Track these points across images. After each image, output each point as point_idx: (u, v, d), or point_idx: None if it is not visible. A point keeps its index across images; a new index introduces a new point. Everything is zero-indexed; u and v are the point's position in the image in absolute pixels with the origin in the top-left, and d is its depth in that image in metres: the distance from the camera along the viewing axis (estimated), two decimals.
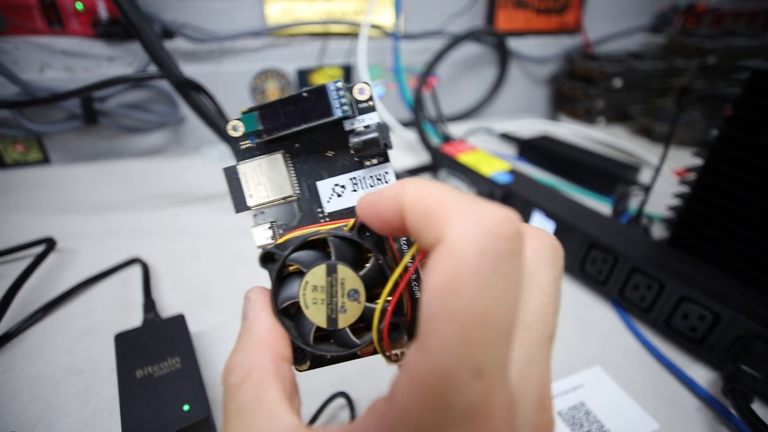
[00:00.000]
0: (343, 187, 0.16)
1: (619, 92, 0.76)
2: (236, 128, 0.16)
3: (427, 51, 0.70)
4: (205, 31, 0.56)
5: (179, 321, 0.29)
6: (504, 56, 0.77)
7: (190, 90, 0.38)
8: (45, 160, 0.54)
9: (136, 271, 0.37)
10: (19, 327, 0.30)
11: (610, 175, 0.53)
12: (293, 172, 0.16)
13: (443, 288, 0.10)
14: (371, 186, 0.16)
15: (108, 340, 0.29)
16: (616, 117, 0.79)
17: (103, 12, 0.50)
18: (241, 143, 0.16)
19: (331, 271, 0.15)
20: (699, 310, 0.30)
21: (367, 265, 0.15)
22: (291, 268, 0.16)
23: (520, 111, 0.87)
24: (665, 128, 0.70)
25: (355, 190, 0.16)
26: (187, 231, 0.43)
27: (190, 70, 0.56)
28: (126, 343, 0.27)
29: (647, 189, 0.43)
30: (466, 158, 0.50)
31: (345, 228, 0.15)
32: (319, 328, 0.15)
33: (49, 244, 0.38)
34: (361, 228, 0.15)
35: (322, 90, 0.15)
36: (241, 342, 0.14)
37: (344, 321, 0.15)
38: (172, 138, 0.61)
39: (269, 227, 0.16)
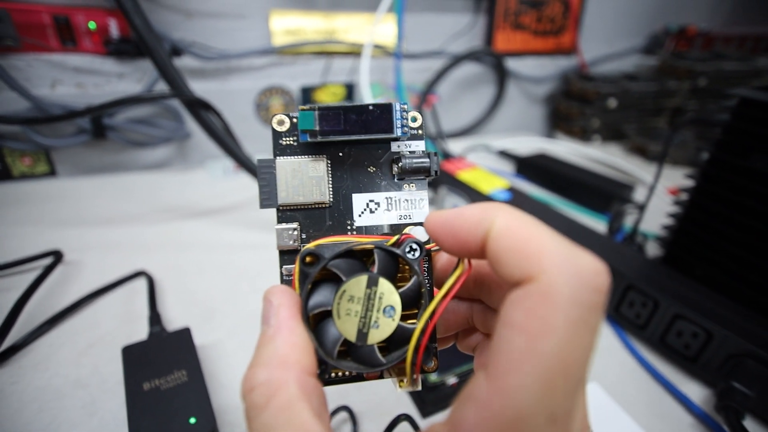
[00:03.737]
0: (377, 204, 0.16)
1: (614, 112, 0.78)
2: (282, 122, 0.16)
3: (427, 70, 0.72)
4: (213, 49, 0.57)
5: (185, 334, 0.30)
6: (502, 76, 0.79)
7: (200, 108, 0.39)
8: (52, 173, 0.55)
9: (141, 284, 0.37)
10: (27, 339, 0.31)
11: (606, 194, 0.54)
12: (331, 179, 0.16)
13: (532, 329, 0.10)
14: (405, 209, 0.16)
15: (113, 353, 0.29)
16: (611, 135, 0.81)
17: (114, 31, 0.51)
18: (283, 139, 0.16)
19: (372, 284, 0.14)
20: (692, 328, 0.30)
21: (408, 283, 0.15)
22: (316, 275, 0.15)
23: (518, 129, 0.89)
24: (659, 147, 0.72)
25: (388, 210, 0.16)
26: (192, 245, 0.44)
27: (197, 86, 0.57)
28: (133, 356, 0.27)
29: (642, 207, 0.45)
30: (465, 175, 0.51)
31: (387, 243, 0.15)
32: (341, 343, 0.15)
33: (57, 256, 0.38)
34: (413, 244, 0.15)
35: (388, 107, 0.15)
36: (263, 354, 0.13)
37: (374, 337, 0.14)
38: (178, 152, 0.62)
39: (294, 230, 0.15)
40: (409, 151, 0.16)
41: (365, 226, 0.16)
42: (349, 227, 0.16)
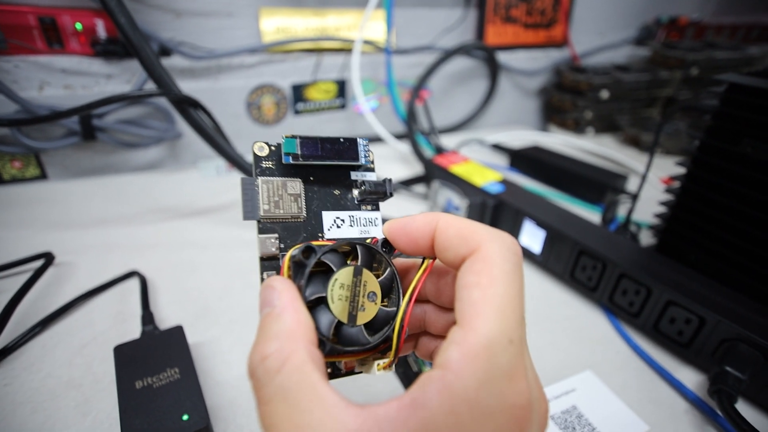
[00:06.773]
0: (342, 221, 0.19)
1: (606, 103, 0.78)
2: (262, 148, 0.18)
3: (419, 65, 0.72)
4: (202, 48, 0.57)
5: (177, 332, 0.29)
6: (494, 69, 0.79)
7: (189, 107, 0.39)
8: (42, 176, 0.55)
9: (134, 284, 0.37)
10: (19, 341, 0.30)
11: (599, 184, 0.54)
12: (304, 197, 0.19)
13: (483, 283, 0.14)
14: (364, 225, 0.20)
15: (107, 353, 0.29)
16: (604, 127, 0.81)
17: (101, 31, 0.51)
18: (263, 162, 0.18)
19: (357, 273, 0.17)
20: (685, 314, 0.31)
21: (384, 274, 0.18)
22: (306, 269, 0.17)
23: (511, 122, 0.89)
24: (652, 137, 0.72)
25: (351, 226, 0.19)
26: (184, 244, 0.44)
27: (187, 86, 0.57)
28: (125, 355, 0.27)
29: (634, 197, 0.45)
30: (458, 169, 0.51)
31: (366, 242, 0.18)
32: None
33: (48, 258, 0.38)
34: (384, 244, 0.18)
35: (354, 141, 0.19)
36: (271, 331, 0.14)
37: (362, 318, 0.17)
38: (169, 153, 0.62)
39: (276, 239, 0.18)
40: (366, 180, 0.20)
41: (334, 239, 0.19)
42: (320, 239, 0.19)
